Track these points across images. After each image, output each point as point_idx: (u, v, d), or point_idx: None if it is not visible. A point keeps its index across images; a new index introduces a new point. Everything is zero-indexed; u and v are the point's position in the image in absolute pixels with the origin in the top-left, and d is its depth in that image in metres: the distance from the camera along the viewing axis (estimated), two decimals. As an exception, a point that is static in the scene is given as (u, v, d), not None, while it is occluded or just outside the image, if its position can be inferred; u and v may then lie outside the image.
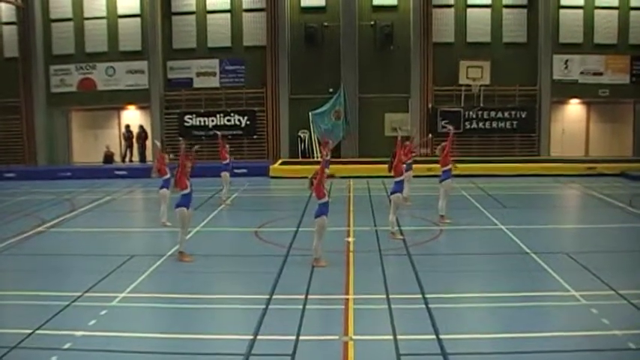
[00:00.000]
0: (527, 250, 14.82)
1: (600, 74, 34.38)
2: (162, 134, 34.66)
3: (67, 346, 9.34)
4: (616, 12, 34.03)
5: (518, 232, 16.71)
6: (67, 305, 11.14)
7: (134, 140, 36.19)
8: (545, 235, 16.97)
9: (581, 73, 34.39)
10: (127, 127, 36.31)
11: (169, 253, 15.02)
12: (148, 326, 10.61)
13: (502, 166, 29.96)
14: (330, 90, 33.91)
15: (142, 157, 35.99)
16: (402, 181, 16.65)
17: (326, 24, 34.08)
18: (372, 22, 34.06)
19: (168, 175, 18.32)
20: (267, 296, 11.59)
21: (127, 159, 36.36)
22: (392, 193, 16.44)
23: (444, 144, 18.82)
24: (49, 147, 35.69)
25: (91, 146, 36.96)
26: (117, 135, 37.28)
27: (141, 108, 36.43)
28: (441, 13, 34.18)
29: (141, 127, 35.99)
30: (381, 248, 15.23)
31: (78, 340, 9.59)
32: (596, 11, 34.01)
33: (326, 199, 13.70)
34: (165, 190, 18.39)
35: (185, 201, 14.60)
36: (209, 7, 34.76)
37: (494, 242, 16.19)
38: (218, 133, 24.89)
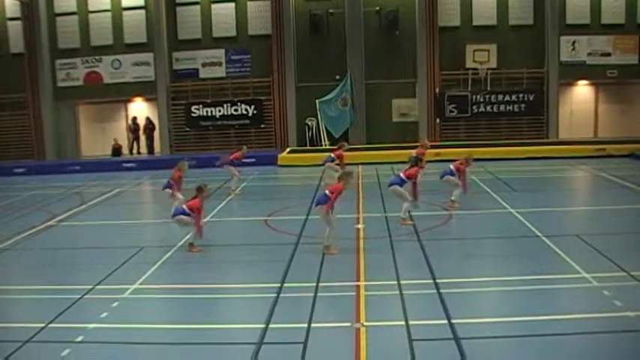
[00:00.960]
0: (538, 233, 14.76)
1: (608, 55, 34.16)
2: (169, 125, 34.71)
3: (79, 338, 9.35)
4: (623, -9, 33.79)
5: (528, 216, 16.63)
6: (79, 298, 11.15)
7: (140, 132, 36.24)
8: (555, 217, 16.92)
9: (589, 54, 34.18)
10: (134, 119, 36.42)
11: (180, 243, 15.01)
12: (159, 317, 10.65)
13: (511, 149, 29.86)
14: (337, 77, 33.85)
15: (150, 149, 36.07)
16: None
17: (331, 11, 34.00)
18: (377, 8, 33.96)
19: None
20: (279, 285, 11.58)
21: (135, 151, 36.44)
22: (390, 185, 16.35)
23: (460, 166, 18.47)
24: (57, 141, 35.78)
25: (99, 139, 37.07)
26: (124, 128, 37.43)
27: (147, 100, 36.50)
28: (447, -4, 34.04)
29: (148, 119, 36.08)
30: (391, 234, 15.19)
31: (90, 332, 9.60)
32: (603, -9, 33.79)
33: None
34: (168, 190, 18.25)
35: (180, 211, 14.54)
36: (214, -3, 34.76)
37: (504, 226, 16.12)
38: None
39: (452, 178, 18.12)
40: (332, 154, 22.82)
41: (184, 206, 14.49)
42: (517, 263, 12.81)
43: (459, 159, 18.68)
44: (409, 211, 16.61)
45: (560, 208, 18.30)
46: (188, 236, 14.67)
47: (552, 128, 34.13)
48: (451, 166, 18.29)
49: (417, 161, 16.53)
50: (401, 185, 16.22)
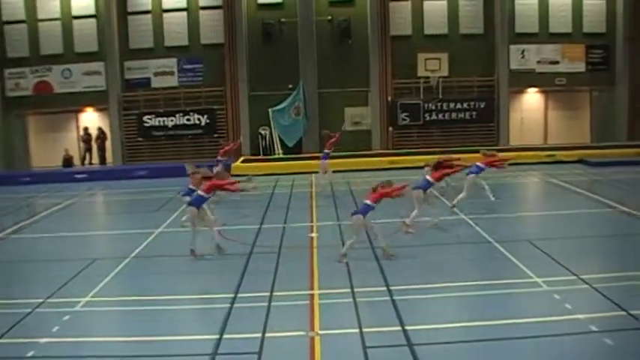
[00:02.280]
0: (490, 239, 14.94)
1: (556, 63, 34.84)
2: (121, 135, 34.34)
3: (30, 353, 9.21)
4: (569, 1, 34.48)
5: (480, 222, 16.84)
6: (30, 312, 10.98)
7: (93, 142, 35.78)
8: (507, 223, 17.15)
9: (538, 62, 34.82)
10: (86, 129, 35.88)
11: (132, 254, 14.89)
12: (112, 330, 10.54)
13: (462, 156, 30.06)
14: (290, 86, 33.82)
15: (102, 160, 35.62)
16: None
17: (283, 20, 34.01)
18: (330, 17, 34.08)
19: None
20: (232, 295, 11.55)
21: (87, 162, 35.96)
22: (415, 188, 16.29)
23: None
24: (6, 152, 35.08)
25: (50, 150, 36.38)
26: (75, 138, 36.81)
27: (99, 110, 35.99)
28: (398, 6, 34.30)
29: (100, 129, 35.61)
30: (344, 242, 15.19)
31: (42, 347, 9.45)
32: (551, 1, 34.44)
33: (374, 205, 13.75)
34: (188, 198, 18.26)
35: (197, 201, 14.50)
36: (165, 6, 34.44)
37: (456, 232, 16.29)
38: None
39: (473, 176, 18.40)
40: (325, 150, 22.87)
41: (200, 192, 14.46)
42: (469, 269, 12.99)
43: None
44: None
45: (512, 214, 18.54)
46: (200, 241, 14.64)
47: (503, 135, 34.61)
48: (479, 164, 18.79)
49: (438, 165, 16.66)
50: (425, 190, 16.29)
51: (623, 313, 9.97)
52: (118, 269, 13.82)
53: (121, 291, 12.49)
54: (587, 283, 11.43)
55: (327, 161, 23.10)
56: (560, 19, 34.61)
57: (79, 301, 11.54)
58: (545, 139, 36.21)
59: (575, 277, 11.82)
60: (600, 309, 10.26)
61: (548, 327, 9.54)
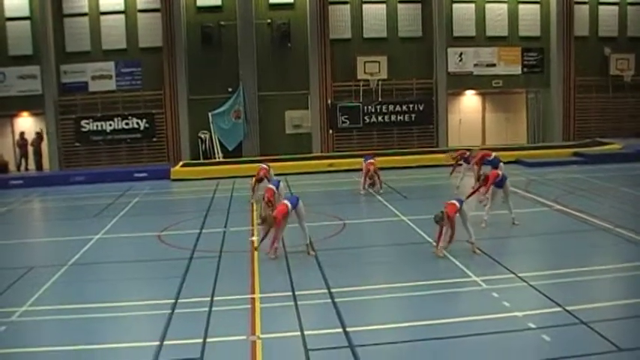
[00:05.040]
0: (429, 240, 15.09)
1: (493, 66, 35.48)
2: (58, 141, 33.69)
3: (-36, 365, 9.01)
4: (505, 5, 35.16)
5: (419, 223, 16.97)
6: (-37, 323, 10.72)
7: (29, 147, 35.00)
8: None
9: (475, 65, 35.37)
10: (22, 134, 35.10)
11: (71, 262, 14.63)
12: (51, 340, 10.31)
13: (402, 158, 30.44)
14: (229, 89, 33.66)
15: (39, 165, 34.87)
16: None
17: (223, 23, 33.82)
18: (269, 21, 34.02)
19: None
20: (173, 300, 11.46)
21: (23, 167, 35.19)
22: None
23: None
24: (-63, 159, 34.20)
25: (-17, 156, 35.58)
26: (10, 143, 35.99)
27: (35, 114, 35.23)
28: (337, 9, 34.44)
29: (37, 133, 34.79)
30: (285, 245, 15.19)
31: (-24, 358, 9.25)
32: (487, 5, 35.08)
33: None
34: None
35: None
36: (102, 9, 33.81)
37: (396, 233, 16.45)
38: None
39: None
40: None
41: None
42: (409, 269, 13.11)
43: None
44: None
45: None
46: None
47: (442, 137, 35.06)
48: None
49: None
50: None
51: (559, 309, 10.23)
52: (55, 277, 13.56)
53: (60, 299, 12.23)
54: (524, 281, 11.68)
55: None
56: (497, 23, 35.27)
57: (16, 311, 11.28)
58: (483, 140, 36.77)
59: (513, 276, 12.07)
60: (537, 306, 10.49)
61: (488, 325, 9.72)
